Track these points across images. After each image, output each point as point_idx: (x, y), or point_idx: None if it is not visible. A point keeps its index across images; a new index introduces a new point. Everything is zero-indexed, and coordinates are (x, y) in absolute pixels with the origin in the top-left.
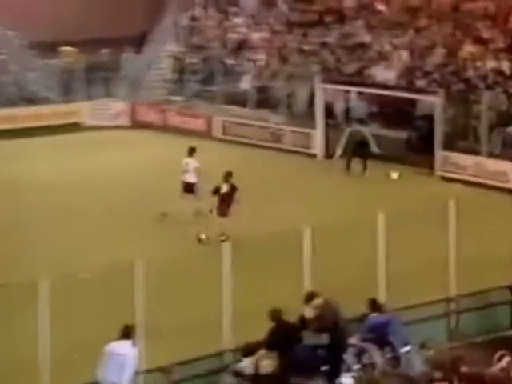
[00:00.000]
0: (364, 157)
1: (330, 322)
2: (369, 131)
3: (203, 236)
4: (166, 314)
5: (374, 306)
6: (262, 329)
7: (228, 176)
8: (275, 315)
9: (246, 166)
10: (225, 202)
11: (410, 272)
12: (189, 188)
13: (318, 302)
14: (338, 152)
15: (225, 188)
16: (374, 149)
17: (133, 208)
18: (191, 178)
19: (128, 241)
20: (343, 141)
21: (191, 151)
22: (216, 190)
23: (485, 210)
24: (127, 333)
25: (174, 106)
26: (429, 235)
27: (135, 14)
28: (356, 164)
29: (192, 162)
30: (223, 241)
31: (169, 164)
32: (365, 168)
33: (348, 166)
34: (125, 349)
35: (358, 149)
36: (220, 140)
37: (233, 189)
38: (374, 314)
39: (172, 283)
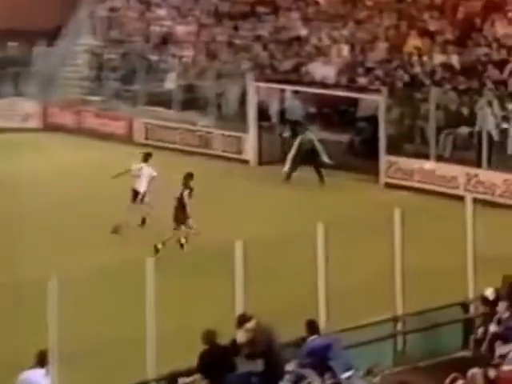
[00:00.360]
0: (318, 166)
1: (264, 347)
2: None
3: (160, 245)
4: (85, 337)
5: (313, 327)
6: (187, 355)
7: (188, 178)
8: (209, 337)
9: (170, 173)
10: (179, 208)
11: (353, 288)
12: (136, 196)
13: (250, 325)
14: (288, 163)
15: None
16: (325, 159)
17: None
18: (141, 187)
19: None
20: (293, 151)
21: (146, 157)
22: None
23: (433, 219)
24: (41, 360)
25: (90, 107)
26: (373, 248)
27: (49, 3)
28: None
29: (147, 170)
30: (182, 246)
31: (86, 170)
32: (321, 179)
33: (289, 176)
34: (37, 377)
35: (310, 158)
36: (142, 145)
37: (190, 193)
38: (313, 337)
39: (93, 302)
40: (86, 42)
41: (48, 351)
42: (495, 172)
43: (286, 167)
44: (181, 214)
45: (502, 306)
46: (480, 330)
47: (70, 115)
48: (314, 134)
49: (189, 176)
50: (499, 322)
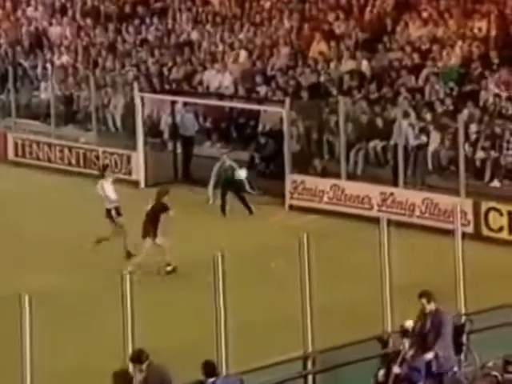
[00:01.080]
0: (241, 196)
1: None
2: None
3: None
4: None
5: (211, 369)
6: None
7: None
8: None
9: (47, 198)
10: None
11: (258, 325)
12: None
13: (143, 365)
14: (210, 193)
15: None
16: (249, 189)
17: None
18: (107, 204)
19: None
20: (212, 181)
21: (104, 168)
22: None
23: (345, 243)
24: None
25: None
26: (277, 278)
27: None
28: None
29: (107, 185)
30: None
31: None
32: (249, 209)
33: (224, 209)
34: None
35: (232, 188)
36: (14, 163)
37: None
38: (212, 380)
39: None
40: None
41: None
42: (413, 190)
43: (211, 201)
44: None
45: (405, 343)
46: (381, 372)
47: None
48: (231, 160)
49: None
50: (402, 363)
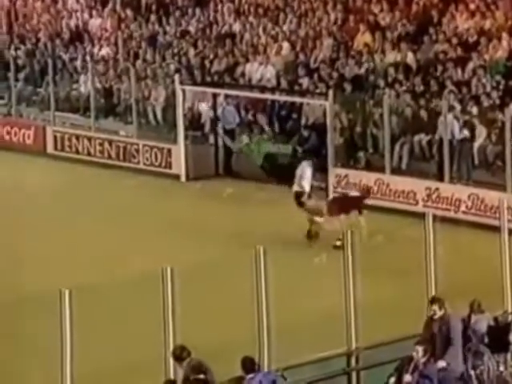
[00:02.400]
0: None
1: None
2: None
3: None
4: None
5: (250, 365)
6: None
7: None
8: None
9: (87, 191)
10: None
11: (301, 321)
12: None
13: (184, 362)
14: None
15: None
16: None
17: None
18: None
19: None
20: None
21: None
22: None
23: (389, 239)
24: None
25: None
26: (321, 274)
27: None
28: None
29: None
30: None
31: None
32: None
33: None
34: None
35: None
36: (53, 157)
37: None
38: (251, 375)
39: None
40: None
41: None
42: (459, 186)
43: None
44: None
45: (419, 350)
46: (392, 380)
47: None
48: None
49: None
50: (414, 370)
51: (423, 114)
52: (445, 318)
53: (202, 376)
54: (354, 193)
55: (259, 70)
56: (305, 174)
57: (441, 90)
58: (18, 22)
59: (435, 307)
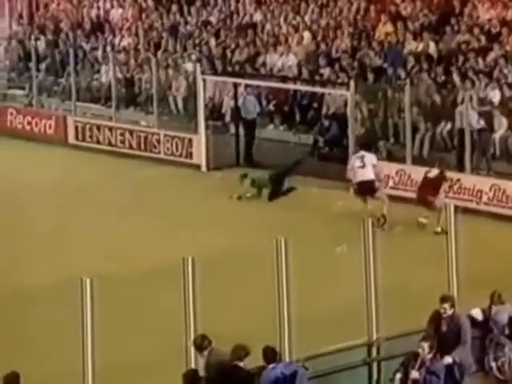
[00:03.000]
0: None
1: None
2: None
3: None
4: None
5: (271, 355)
6: None
7: None
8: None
9: (108, 180)
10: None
11: (322, 311)
12: None
13: (204, 351)
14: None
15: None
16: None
17: None
18: None
19: None
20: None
21: None
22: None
23: (411, 230)
24: None
25: (13, 103)
26: (340, 265)
27: None
28: None
29: None
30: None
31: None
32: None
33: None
34: None
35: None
36: (74, 147)
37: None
38: (273, 365)
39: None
40: (7, 26)
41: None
42: (481, 176)
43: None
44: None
45: (425, 346)
46: (398, 376)
47: None
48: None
49: None
50: (421, 366)
51: (444, 103)
52: (454, 317)
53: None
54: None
55: (280, 60)
56: (371, 162)
57: (462, 80)
58: (39, 13)
59: (446, 305)
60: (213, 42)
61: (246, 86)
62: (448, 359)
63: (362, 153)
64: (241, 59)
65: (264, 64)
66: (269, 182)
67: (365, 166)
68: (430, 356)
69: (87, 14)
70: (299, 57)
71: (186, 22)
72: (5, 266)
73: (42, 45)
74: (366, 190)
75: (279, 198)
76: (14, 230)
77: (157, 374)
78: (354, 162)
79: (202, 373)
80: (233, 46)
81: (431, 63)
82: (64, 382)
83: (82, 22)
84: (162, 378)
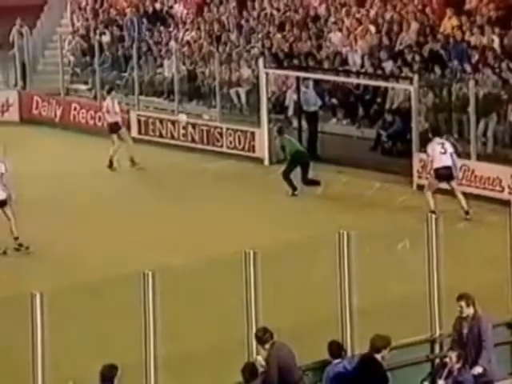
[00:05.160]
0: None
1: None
2: None
3: None
4: None
5: (337, 349)
6: None
7: None
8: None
9: (172, 173)
10: None
11: (384, 306)
12: None
13: (266, 344)
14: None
15: None
16: None
17: None
18: None
19: None
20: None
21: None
22: None
23: (473, 226)
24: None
25: (77, 97)
26: (403, 260)
27: None
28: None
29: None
30: None
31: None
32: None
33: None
34: None
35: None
36: (137, 141)
37: None
38: (338, 361)
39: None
40: (71, 21)
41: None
42: None
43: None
44: None
45: (452, 356)
46: None
47: (53, 106)
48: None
49: None
50: (448, 376)
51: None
52: (476, 318)
53: None
54: None
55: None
56: (450, 149)
57: None
58: (103, 7)
59: (462, 303)
60: (276, 35)
61: (304, 78)
62: (478, 369)
63: (442, 140)
64: (304, 52)
65: (327, 57)
66: (294, 154)
67: (446, 152)
68: (458, 365)
69: (151, 8)
70: (363, 50)
71: (250, 15)
72: (69, 259)
73: (106, 39)
74: (446, 175)
75: (335, 191)
76: (79, 223)
77: (218, 366)
78: (435, 147)
79: (262, 364)
80: (296, 39)
81: (495, 58)
82: (129, 373)
83: (146, 16)
84: (224, 369)
